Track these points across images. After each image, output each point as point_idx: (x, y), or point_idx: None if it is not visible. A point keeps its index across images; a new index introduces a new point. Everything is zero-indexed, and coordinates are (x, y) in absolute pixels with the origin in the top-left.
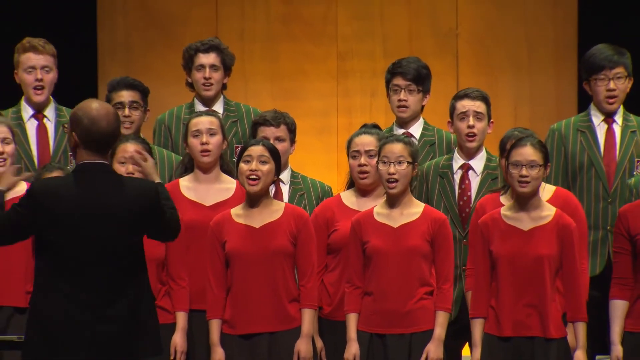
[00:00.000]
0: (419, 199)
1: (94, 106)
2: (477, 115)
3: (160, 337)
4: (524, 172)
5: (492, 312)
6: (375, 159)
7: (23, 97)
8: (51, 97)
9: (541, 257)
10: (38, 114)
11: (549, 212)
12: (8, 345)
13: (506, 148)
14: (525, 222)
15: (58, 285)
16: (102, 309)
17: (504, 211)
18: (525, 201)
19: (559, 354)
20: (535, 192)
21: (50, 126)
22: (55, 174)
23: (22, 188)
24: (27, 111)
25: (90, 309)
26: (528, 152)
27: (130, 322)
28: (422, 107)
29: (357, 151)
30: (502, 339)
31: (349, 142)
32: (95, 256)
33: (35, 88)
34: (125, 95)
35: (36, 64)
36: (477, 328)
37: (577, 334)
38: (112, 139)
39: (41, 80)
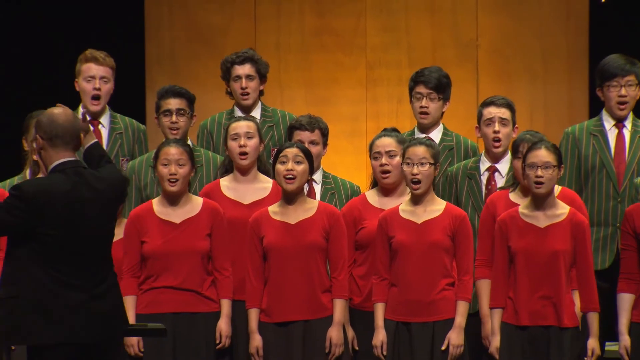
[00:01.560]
0: (449, 198)
1: (52, 109)
2: (502, 121)
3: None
4: (540, 172)
5: (510, 303)
6: (395, 159)
7: (81, 104)
8: (107, 106)
9: (556, 252)
10: (94, 120)
11: (563, 210)
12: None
13: (519, 149)
14: (541, 219)
15: (55, 271)
16: (92, 291)
17: (521, 209)
18: (541, 200)
19: (573, 342)
20: (550, 192)
21: (104, 132)
22: None
23: None
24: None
25: (84, 292)
26: (543, 154)
27: (112, 303)
28: (442, 113)
29: (379, 152)
30: (519, 328)
31: (371, 145)
32: (85, 242)
33: (92, 98)
34: (173, 103)
35: (96, 74)
36: (496, 317)
37: (590, 323)
38: (73, 133)
39: (99, 89)
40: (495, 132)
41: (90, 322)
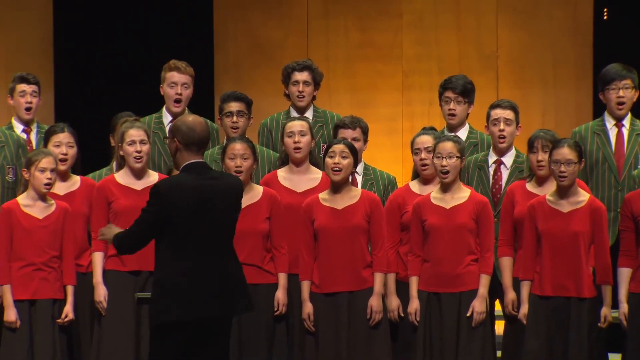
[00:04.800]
0: None
1: (190, 119)
2: (507, 121)
3: (251, 296)
4: (562, 168)
5: (536, 276)
6: None
7: (164, 107)
8: (187, 108)
9: (577, 234)
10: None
11: (584, 197)
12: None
13: (534, 145)
14: (564, 206)
15: (183, 256)
16: (219, 274)
17: (548, 197)
18: (564, 190)
19: (589, 310)
20: (572, 183)
21: None
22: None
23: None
24: (166, 118)
25: (211, 274)
26: (565, 152)
27: (236, 284)
28: (467, 114)
29: (419, 149)
30: (543, 298)
31: (412, 142)
32: (211, 231)
33: (175, 101)
34: (234, 106)
35: (178, 81)
36: (525, 289)
37: (604, 294)
38: (206, 141)
39: (180, 94)
40: (500, 130)
41: (211, 303)
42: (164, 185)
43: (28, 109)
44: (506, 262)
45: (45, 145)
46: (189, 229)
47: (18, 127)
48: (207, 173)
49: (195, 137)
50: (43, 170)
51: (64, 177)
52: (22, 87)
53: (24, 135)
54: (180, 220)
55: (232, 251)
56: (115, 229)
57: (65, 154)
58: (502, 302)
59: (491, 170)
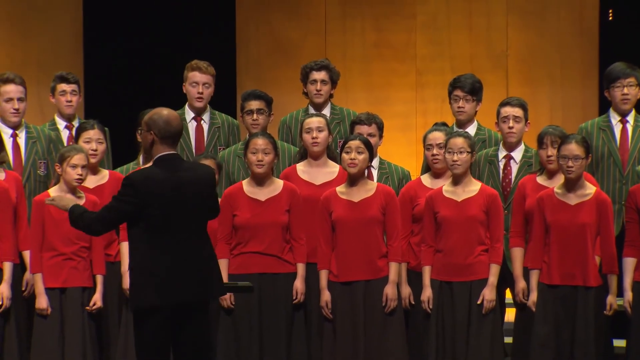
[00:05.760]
0: None
1: (165, 112)
2: (516, 118)
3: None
4: (570, 163)
5: (545, 266)
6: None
7: (187, 104)
8: (208, 105)
9: (583, 225)
10: (197, 117)
11: (590, 190)
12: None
13: (543, 141)
14: (572, 198)
15: (159, 244)
16: (195, 260)
17: (556, 189)
18: (572, 183)
19: (595, 298)
20: (579, 177)
21: (205, 127)
22: (207, 161)
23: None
24: (188, 114)
25: (187, 260)
26: (573, 148)
27: (209, 269)
28: (476, 112)
29: (431, 144)
30: (551, 287)
31: (424, 138)
32: (185, 219)
33: (196, 99)
34: (254, 104)
35: (199, 80)
36: (534, 277)
37: (610, 283)
38: (180, 134)
39: (202, 93)
40: (510, 127)
41: (188, 287)
42: (137, 176)
43: (68, 107)
44: (517, 253)
45: (76, 141)
46: (164, 218)
47: (61, 124)
48: (179, 165)
49: (171, 131)
50: (74, 167)
51: (93, 171)
52: (63, 86)
53: (66, 132)
54: (155, 210)
55: (205, 238)
56: (69, 199)
57: (95, 150)
58: (512, 291)
59: (501, 165)
